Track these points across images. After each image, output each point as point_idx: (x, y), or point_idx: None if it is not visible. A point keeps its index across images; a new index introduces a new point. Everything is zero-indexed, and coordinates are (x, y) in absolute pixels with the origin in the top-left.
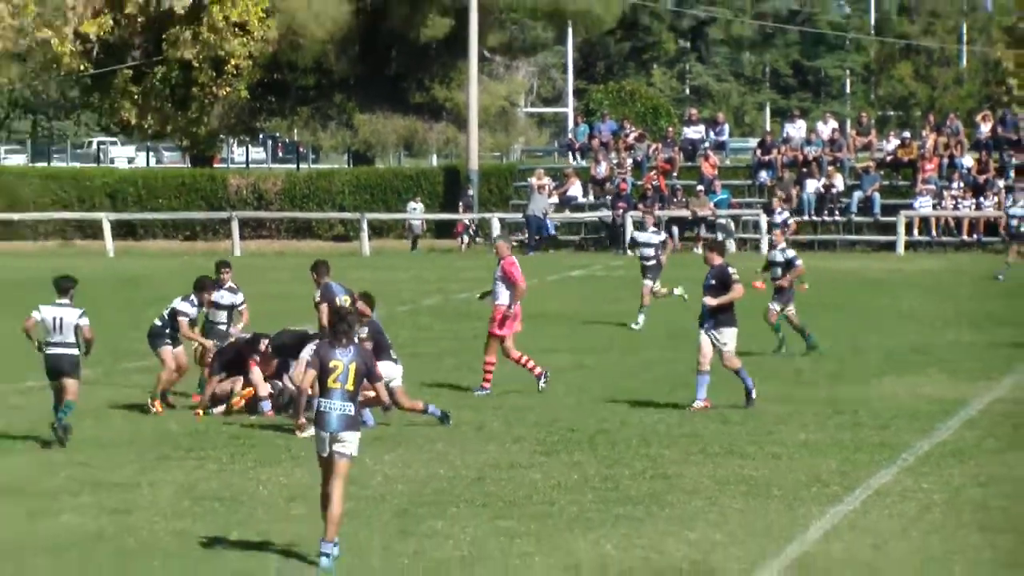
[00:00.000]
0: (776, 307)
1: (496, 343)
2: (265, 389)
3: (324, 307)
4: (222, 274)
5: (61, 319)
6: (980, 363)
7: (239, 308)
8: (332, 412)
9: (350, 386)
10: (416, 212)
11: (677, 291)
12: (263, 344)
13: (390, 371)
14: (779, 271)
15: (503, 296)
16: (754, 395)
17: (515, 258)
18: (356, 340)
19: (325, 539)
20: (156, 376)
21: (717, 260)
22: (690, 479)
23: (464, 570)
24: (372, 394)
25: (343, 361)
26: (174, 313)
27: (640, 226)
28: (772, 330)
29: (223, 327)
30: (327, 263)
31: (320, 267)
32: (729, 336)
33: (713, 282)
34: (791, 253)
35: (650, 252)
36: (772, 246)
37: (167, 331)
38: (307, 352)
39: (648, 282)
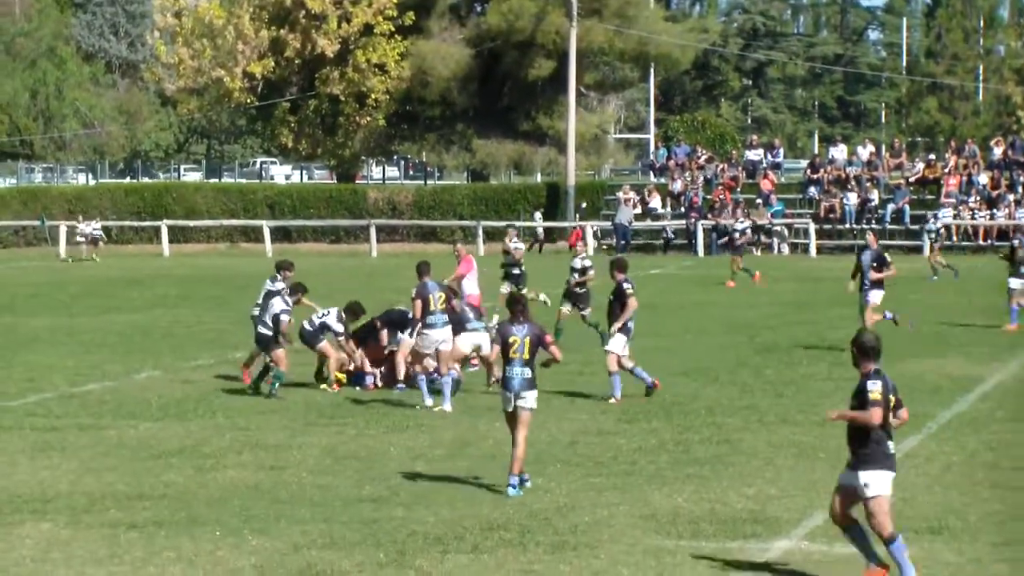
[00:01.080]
0: (567, 309)
1: None
2: (368, 366)
3: (418, 304)
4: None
5: (270, 305)
6: (992, 347)
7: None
8: (515, 377)
9: (526, 355)
10: (538, 220)
11: (542, 296)
12: (377, 323)
13: (476, 339)
14: (576, 276)
15: (472, 287)
16: (653, 385)
17: (471, 257)
18: (529, 318)
19: (512, 473)
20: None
21: (619, 276)
22: (749, 443)
23: (560, 518)
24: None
25: (519, 336)
26: (324, 326)
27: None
28: (556, 327)
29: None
30: (428, 263)
31: (422, 267)
32: (616, 342)
33: (611, 297)
34: (588, 263)
35: (513, 261)
36: (576, 255)
37: (320, 333)
38: (408, 335)
39: (505, 288)
